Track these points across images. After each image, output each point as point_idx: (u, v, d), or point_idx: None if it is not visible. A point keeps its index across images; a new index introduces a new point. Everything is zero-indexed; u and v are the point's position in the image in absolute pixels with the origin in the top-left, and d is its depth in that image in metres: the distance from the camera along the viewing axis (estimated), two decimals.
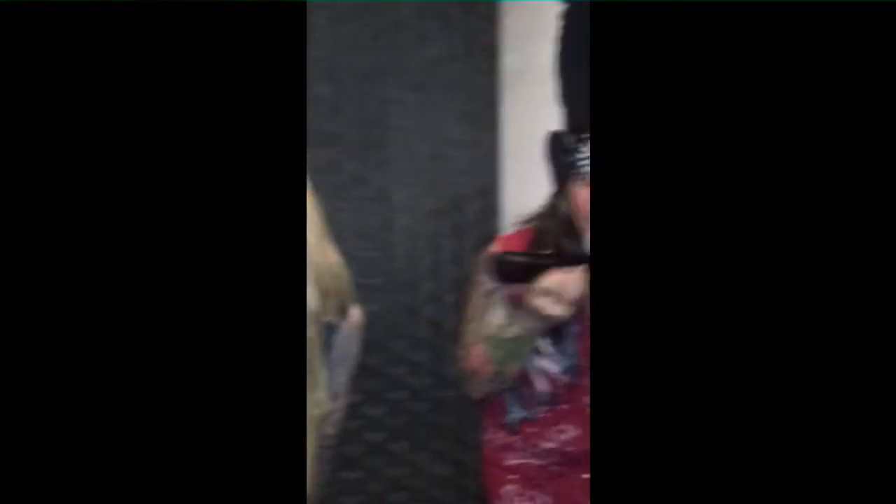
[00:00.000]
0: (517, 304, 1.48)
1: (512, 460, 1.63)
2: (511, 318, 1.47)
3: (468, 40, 2.26)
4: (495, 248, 1.57)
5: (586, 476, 1.59)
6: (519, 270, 1.41)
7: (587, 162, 1.42)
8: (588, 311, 1.52)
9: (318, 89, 2.15)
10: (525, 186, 2.25)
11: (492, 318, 1.51)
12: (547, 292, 1.40)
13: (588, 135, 1.42)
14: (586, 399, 1.55)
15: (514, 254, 1.43)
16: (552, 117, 2.15)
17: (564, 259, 1.42)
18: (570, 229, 1.50)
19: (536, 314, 1.42)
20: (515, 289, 1.49)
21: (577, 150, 1.44)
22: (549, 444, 1.58)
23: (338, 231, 1.34)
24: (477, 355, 1.52)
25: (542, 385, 1.57)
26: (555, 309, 1.40)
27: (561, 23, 2.11)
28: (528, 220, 1.58)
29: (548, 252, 1.48)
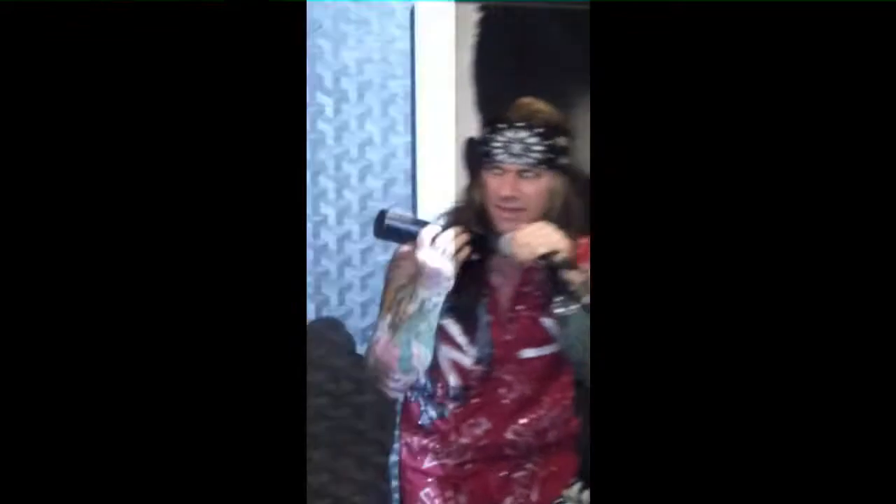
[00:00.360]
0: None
1: (429, 463, 1.64)
2: (414, 297, 1.46)
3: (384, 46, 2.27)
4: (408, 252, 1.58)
5: (503, 474, 1.61)
6: (400, 228, 1.43)
7: (500, 152, 1.45)
8: (502, 301, 1.55)
9: None
10: (440, 188, 2.26)
11: (402, 310, 1.50)
12: (434, 246, 1.40)
13: (502, 125, 1.45)
14: (501, 391, 1.57)
15: (398, 212, 1.45)
16: (467, 121, 2.18)
17: (471, 235, 1.44)
18: (483, 218, 1.51)
19: (425, 276, 1.42)
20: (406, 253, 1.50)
21: (490, 141, 1.46)
22: (464, 440, 1.59)
23: None
24: (382, 344, 1.51)
25: (453, 379, 1.57)
26: (440, 262, 1.40)
27: (477, 30, 2.14)
28: (447, 214, 1.59)
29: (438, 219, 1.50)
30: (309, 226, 2.21)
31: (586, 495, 1.59)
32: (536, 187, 1.47)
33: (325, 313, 2.29)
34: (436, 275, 1.41)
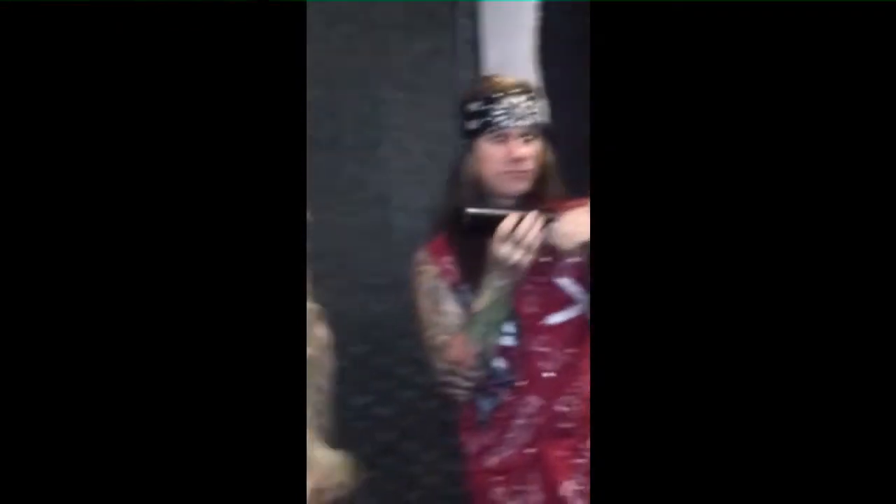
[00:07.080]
0: (457, 285, 1.53)
1: (492, 460, 1.61)
2: (487, 286, 1.47)
3: (453, 37, 2.28)
4: (425, 256, 1.61)
5: (563, 454, 1.58)
6: (480, 223, 1.44)
7: (503, 118, 1.48)
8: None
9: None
10: None
11: (446, 307, 1.52)
12: (506, 239, 1.42)
13: (498, 94, 1.49)
14: (540, 364, 1.55)
15: (472, 209, 1.46)
16: None
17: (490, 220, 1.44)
18: (480, 189, 1.53)
19: (501, 266, 1.44)
20: (458, 265, 1.53)
21: (490, 111, 1.49)
22: (520, 422, 1.57)
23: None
24: (456, 345, 1.52)
25: (498, 363, 1.56)
26: (516, 255, 1.42)
27: (539, 15, 2.12)
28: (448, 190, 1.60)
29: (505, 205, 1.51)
30: None
31: None
32: (534, 149, 1.52)
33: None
34: (515, 263, 1.43)
